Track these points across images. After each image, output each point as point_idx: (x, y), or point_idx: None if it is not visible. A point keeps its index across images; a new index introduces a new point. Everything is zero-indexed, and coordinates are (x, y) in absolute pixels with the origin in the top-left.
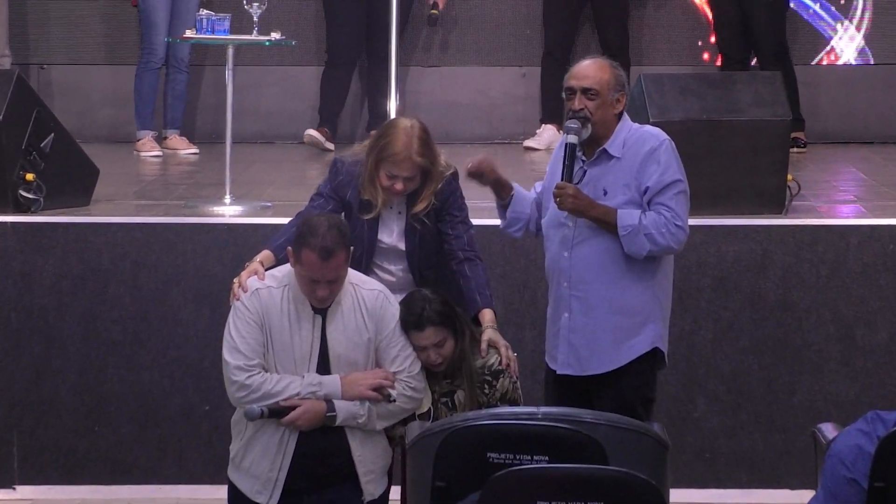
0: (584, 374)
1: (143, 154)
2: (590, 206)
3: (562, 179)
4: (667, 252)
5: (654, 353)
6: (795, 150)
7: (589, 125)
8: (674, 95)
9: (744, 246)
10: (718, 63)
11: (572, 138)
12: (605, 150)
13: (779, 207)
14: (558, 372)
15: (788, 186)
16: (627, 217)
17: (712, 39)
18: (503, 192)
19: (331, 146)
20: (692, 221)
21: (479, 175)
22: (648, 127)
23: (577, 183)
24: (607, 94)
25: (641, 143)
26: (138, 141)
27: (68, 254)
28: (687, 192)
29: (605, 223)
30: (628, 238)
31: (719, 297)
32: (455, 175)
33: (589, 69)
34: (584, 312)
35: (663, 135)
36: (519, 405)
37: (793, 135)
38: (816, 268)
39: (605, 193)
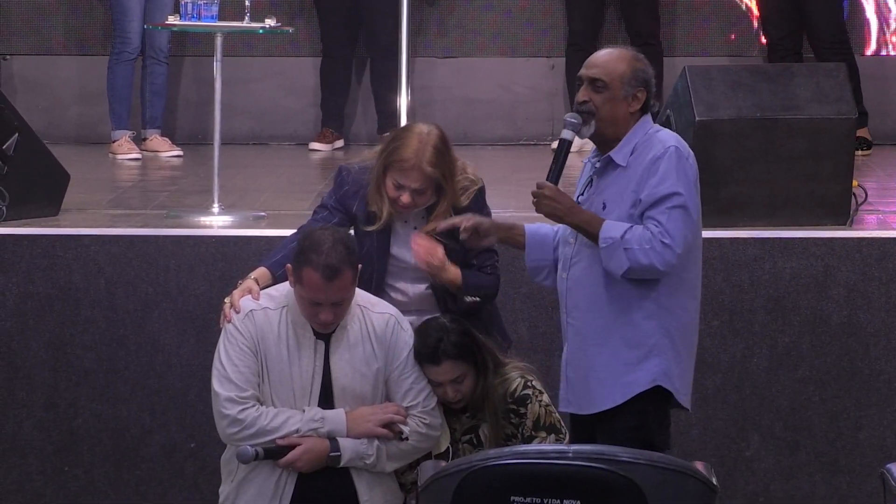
0: (582, 412)
1: (119, 157)
2: (569, 211)
3: (547, 178)
4: (649, 273)
5: (666, 395)
6: (860, 152)
7: (592, 122)
8: (723, 90)
9: (803, 261)
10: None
11: (567, 133)
12: (610, 158)
13: (843, 218)
14: (559, 409)
15: (854, 194)
16: (612, 228)
17: (756, 26)
18: (515, 242)
19: (340, 144)
20: (742, 233)
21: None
22: (664, 132)
23: (583, 193)
24: (618, 87)
25: (647, 150)
26: (114, 142)
27: (34, 271)
28: (687, 207)
29: (588, 233)
30: (607, 252)
31: (775, 319)
32: (482, 190)
33: (601, 58)
34: (578, 343)
35: (673, 140)
36: (559, 430)
37: (856, 134)
38: (886, 286)
39: (605, 207)
